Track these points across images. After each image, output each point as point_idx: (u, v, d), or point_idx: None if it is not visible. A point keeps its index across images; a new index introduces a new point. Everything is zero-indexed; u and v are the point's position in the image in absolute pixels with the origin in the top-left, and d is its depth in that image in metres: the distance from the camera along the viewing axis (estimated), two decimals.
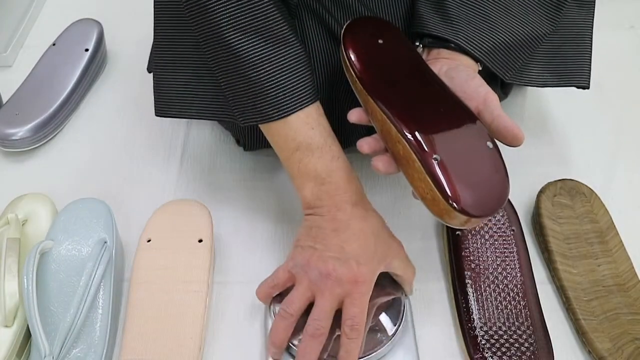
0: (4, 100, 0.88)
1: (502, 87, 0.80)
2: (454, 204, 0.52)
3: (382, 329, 0.62)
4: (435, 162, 0.53)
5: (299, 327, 0.61)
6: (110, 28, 0.97)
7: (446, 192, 0.53)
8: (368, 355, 0.61)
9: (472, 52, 0.63)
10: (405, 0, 0.70)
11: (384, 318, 0.63)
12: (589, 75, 0.74)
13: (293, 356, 0.62)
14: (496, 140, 0.57)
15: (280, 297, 0.63)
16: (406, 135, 0.55)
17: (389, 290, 0.65)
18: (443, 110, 0.58)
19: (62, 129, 0.87)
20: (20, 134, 0.82)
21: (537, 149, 0.83)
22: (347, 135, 0.67)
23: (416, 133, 0.55)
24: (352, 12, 0.69)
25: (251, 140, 0.77)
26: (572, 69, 0.73)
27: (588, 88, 0.74)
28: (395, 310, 0.64)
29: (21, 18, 1.02)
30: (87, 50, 0.92)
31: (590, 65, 0.74)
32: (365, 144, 0.59)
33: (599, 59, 0.94)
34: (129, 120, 0.88)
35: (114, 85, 0.94)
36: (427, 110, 0.57)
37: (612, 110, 0.88)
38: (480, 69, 0.65)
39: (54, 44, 0.93)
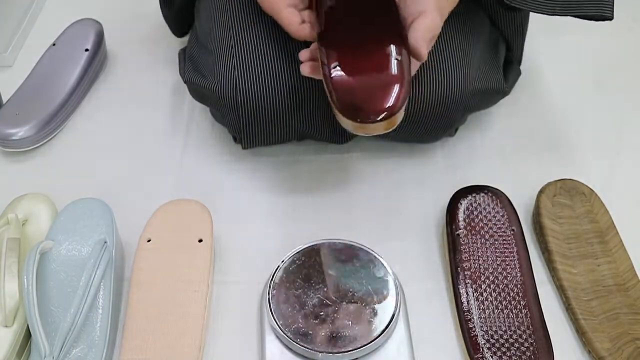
0: (4, 100, 0.88)
1: (505, 80, 0.79)
2: (339, 105, 0.57)
3: (376, 321, 0.63)
4: (333, 71, 0.59)
5: (296, 311, 0.63)
6: (110, 28, 0.97)
7: (333, 94, 0.58)
8: (362, 347, 0.61)
9: None
10: None
11: (378, 310, 0.64)
12: (612, 5, 0.72)
13: (297, 353, 0.62)
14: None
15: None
16: (319, 44, 0.61)
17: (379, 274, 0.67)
18: (368, 28, 0.62)
19: (62, 129, 0.87)
20: (20, 134, 0.82)
21: (537, 148, 0.83)
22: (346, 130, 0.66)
23: (327, 43, 0.61)
24: None
25: (248, 137, 0.76)
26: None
27: (612, 19, 0.72)
28: (390, 302, 0.64)
29: (21, 18, 1.02)
30: (87, 50, 0.91)
31: None
32: (303, 52, 0.64)
33: (599, 59, 0.94)
34: (128, 120, 0.88)
35: (114, 86, 0.93)
36: (351, 27, 0.62)
37: (612, 110, 0.88)
38: None
39: (54, 44, 0.93)
